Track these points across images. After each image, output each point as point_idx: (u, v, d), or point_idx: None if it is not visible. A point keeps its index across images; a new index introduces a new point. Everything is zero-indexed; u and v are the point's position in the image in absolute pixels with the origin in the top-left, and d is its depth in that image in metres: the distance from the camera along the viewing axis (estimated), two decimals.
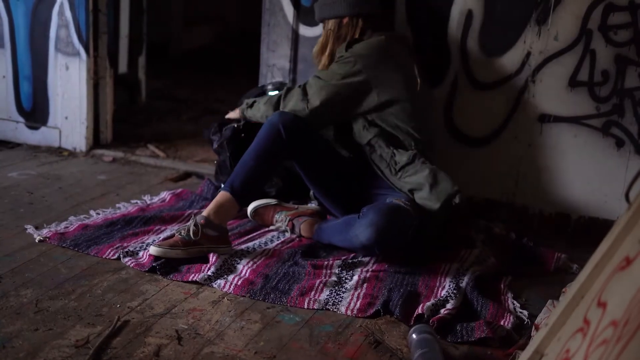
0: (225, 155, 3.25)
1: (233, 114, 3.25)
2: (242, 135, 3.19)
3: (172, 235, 2.73)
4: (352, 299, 2.47)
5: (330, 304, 2.43)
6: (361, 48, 2.89)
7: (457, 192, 2.79)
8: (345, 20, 2.98)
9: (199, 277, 2.53)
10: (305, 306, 2.40)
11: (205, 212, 2.75)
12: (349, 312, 2.38)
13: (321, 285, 2.54)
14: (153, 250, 2.63)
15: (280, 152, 2.86)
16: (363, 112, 2.90)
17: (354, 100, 2.88)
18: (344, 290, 2.53)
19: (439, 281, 2.63)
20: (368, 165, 2.94)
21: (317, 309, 2.39)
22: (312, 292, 2.49)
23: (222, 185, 3.29)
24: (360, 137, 2.93)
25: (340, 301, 2.45)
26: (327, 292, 2.50)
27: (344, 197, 2.96)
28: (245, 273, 2.60)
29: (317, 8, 3.07)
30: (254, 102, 3.09)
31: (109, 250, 2.70)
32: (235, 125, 3.22)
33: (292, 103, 2.90)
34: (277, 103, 2.98)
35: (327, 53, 3.04)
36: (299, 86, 2.95)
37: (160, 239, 2.79)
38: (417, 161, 2.83)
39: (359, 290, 2.53)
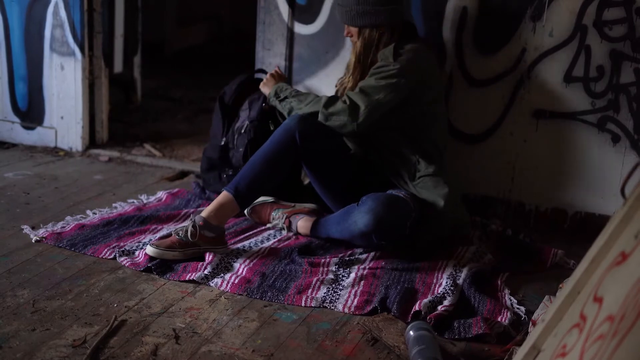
0: (243, 142, 3.19)
1: (266, 88, 3.10)
2: (270, 122, 3.17)
3: (169, 235, 2.72)
4: (349, 296, 2.47)
5: (328, 301, 2.43)
6: (408, 59, 2.79)
7: (467, 223, 2.93)
8: (383, 28, 2.85)
9: (196, 276, 2.53)
10: (303, 304, 2.40)
11: (204, 213, 2.74)
12: (346, 310, 2.39)
13: (318, 283, 2.54)
14: (150, 250, 2.63)
15: (292, 157, 2.86)
16: (401, 121, 2.88)
17: (398, 111, 2.84)
18: (341, 287, 2.53)
19: (436, 278, 2.63)
20: (375, 164, 2.96)
21: (315, 307, 2.40)
22: (310, 290, 2.49)
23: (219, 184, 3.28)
24: (387, 143, 2.92)
25: (338, 299, 2.45)
26: (325, 290, 2.50)
27: (347, 195, 2.96)
28: (242, 271, 2.60)
29: (350, 14, 2.85)
30: (285, 97, 2.94)
31: (106, 250, 2.70)
32: (263, 105, 3.20)
33: (339, 122, 2.77)
34: (313, 113, 2.84)
35: (363, 62, 2.90)
36: (344, 101, 2.78)
37: (157, 238, 2.79)
38: (440, 177, 2.86)
39: (356, 288, 2.53)
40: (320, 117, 2.80)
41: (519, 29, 3.14)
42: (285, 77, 3.22)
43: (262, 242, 2.90)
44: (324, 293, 2.48)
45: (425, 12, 3.27)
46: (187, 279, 2.54)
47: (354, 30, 2.88)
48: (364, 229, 2.68)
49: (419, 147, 2.90)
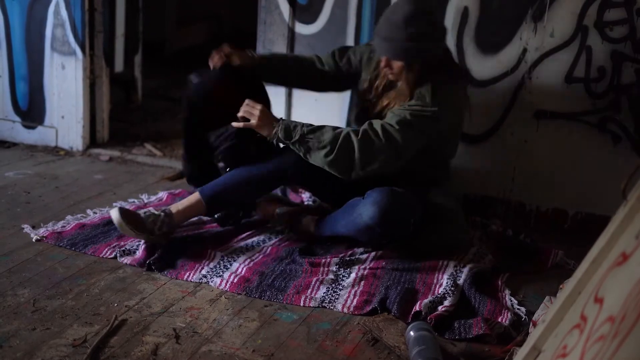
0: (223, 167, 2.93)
1: (264, 129, 2.70)
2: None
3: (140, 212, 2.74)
4: (348, 296, 2.47)
5: (327, 301, 2.43)
6: (446, 103, 2.70)
7: (466, 241, 2.93)
8: (430, 60, 2.72)
9: (194, 277, 2.55)
10: (302, 304, 2.40)
11: (174, 208, 2.77)
12: (345, 310, 2.38)
13: (318, 283, 2.54)
14: (114, 214, 2.66)
15: (280, 184, 2.95)
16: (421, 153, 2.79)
17: (424, 147, 2.77)
18: (340, 287, 2.53)
19: (436, 278, 2.63)
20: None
21: (314, 307, 2.40)
22: (309, 290, 2.49)
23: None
24: (399, 172, 2.83)
25: (337, 299, 2.45)
26: (324, 290, 2.50)
27: (348, 197, 2.93)
28: (242, 271, 2.60)
29: (399, 50, 2.66)
30: (301, 136, 2.65)
31: (106, 250, 2.70)
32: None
33: (379, 163, 2.64)
34: (342, 157, 2.62)
35: (404, 94, 2.74)
36: (375, 134, 2.62)
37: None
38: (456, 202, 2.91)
39: (356, 288, 2.53)
40: (358, 167, 2.63)
41: (520, 30, 3.14)
42: (252, 56, 3.02)
43: (263, 241, 2.90)
44: (324, 293, 2.48)
45: None
46: (184, 278, 2.54)
47: (398, 64, 2.69)
48: (369, 222, 2.66)
49: (433, 173, 2.91)
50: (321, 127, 2.68)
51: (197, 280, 2.53)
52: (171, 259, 2.66)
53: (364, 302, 2.42)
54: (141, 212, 2.73)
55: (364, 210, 2.68)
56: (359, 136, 2.63)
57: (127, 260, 2.63)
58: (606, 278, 1.42)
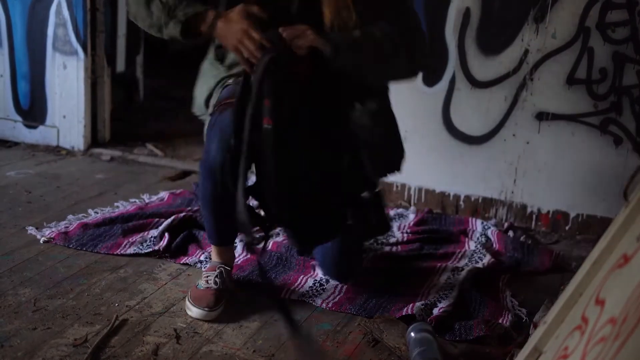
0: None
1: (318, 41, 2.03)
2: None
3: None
4: (333, 292, 2.48)
5: (308, 295, 2.44)
6: None
7: None
8: None
9: (191, 259, 2.63)
10: (282, 296, 2.43)
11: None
12: (324, 305, 2.39)
13: (306, 278, 2.56)
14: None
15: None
16: None
17: None
18: (328, 283, 2.54)
19: (433, 280, 2.62)
20: None
21: (294, 299, 2.42)
22: (295, 284, 2.52)
23: None
24: None
25: (321, 294, 2.46)
26: (311, 284, 2.52)
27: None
28: (239, 261, 2.64)
29: None
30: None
31: (125, 243, 2.76)
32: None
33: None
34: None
35: None
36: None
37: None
38: None
39: (344, 286, 2.53)
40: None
41: (522, 31, 3.14)
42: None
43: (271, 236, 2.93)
44: (309, 288, 2.50)
45: (427, 13, 3.27)
46: (181, 262, 2.63)
47: None
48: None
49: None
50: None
51: (192, 264, 2.60)
52: (183, 245, 2.77)
53: (347, 300, 2.43)
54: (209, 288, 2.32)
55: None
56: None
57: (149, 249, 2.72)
58: (607, 280, 1.42)
